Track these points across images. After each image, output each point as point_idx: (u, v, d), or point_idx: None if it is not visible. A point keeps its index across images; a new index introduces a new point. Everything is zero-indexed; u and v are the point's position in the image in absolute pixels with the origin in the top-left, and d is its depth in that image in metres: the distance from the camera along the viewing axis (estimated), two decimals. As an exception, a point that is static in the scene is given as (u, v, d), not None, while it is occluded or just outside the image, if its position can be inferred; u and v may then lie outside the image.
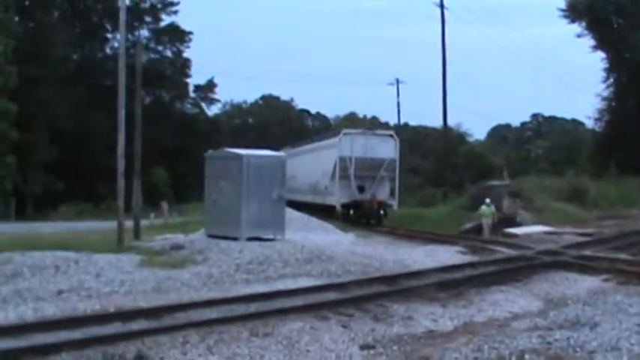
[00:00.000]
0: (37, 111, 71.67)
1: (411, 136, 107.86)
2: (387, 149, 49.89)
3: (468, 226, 40.94)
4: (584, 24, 72.28)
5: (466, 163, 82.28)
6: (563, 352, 12.50)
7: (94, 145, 71.06)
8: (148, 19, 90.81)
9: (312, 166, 51.02)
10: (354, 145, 48.95)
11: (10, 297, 18.67)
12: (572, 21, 72.55)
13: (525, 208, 44.04)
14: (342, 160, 48.59)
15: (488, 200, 38.68)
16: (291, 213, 36.57)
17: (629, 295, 18.86)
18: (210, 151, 32.25)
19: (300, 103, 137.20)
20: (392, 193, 50.29)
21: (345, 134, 50.20)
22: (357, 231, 41.26)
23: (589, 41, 73.38)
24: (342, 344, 14.54)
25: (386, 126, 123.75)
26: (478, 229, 38.82)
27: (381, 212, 48.86)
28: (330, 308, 17.29)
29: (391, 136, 51.83)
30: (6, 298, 18.58)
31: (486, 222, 38.03)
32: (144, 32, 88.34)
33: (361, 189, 48.93)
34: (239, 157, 28.84)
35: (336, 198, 48.46)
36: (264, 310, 16.83)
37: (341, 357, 13.62)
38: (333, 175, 49.19)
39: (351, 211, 48.34)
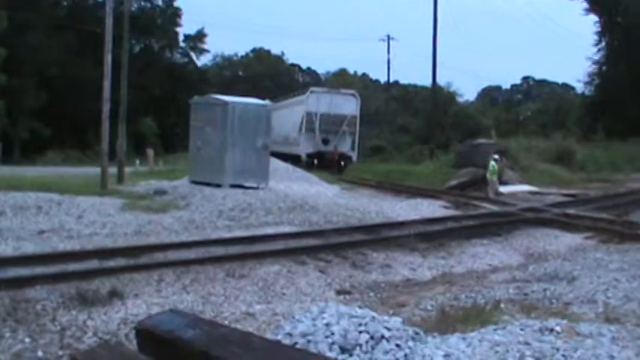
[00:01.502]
0: (26, 56, 71.23)
1: (401, 94, 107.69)
2: (349, 107, 55.55)
3: (453, 182, 40.90)
4: (577, -14, 72.04)
5: (455, 123, 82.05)
6: (539, 302, 12.45)
7: (83, 92, 70.54)
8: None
9: (285, 120, 53.36)
10: (320, 102, 54.57)
11: (-10, 235, 18.61)
12: (566, -17, 72.31)
13: (511, 168, 43.96)
14: (309, 114, 54.13)
15: (496, 156, 37.07)
16: (276, 163, 36.51)
17: (610, 252, 18.82)
18: (195, 97, 32.00)
19: (291, 58, 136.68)
20: (352, 147, 56.31)
21: (311, 92, 55.79)
22: (341, 183, 41.41)
23: (582, 4, 73.16)
24: (319, 289, 14.55)
25: (376, 83, 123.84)
26: (462, 186, 38.80)
27: (342, 163, 54.85)
28: (308, 254, 17.28)
29: (353, 95, 57.32)
30: (-14, 236, 18.51)
31: (494, 179, 36.15)
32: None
33: (325, 141, 54.80)
34: (224, 103, 28.64)
35: (302, 148, 53.94)
36: (243, 252, 16.79)
37: (316, 301, 13.56)
38: (300, 128, 54.52)
39: (315, 161, 53.13)
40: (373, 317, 7.05)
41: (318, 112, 54.08)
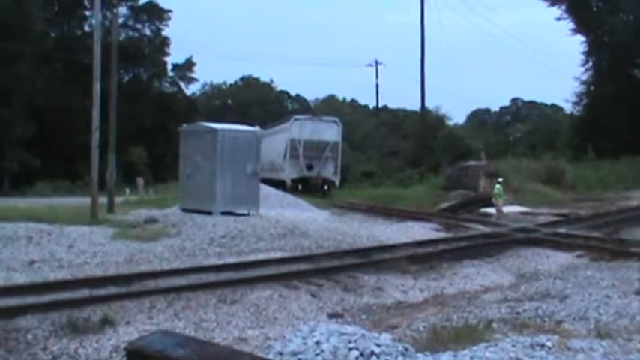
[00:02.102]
0: (14, 87, 71.17)
1: (390, 119, 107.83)
2: (331, 133, 56.93)
3: (444, 205, 40.91)
4: (563, 7, 72.22)
5: (444, 146, 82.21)
6: (530, 320, 12.47)
7: (72, 122, 70.50)
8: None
9: (270, 146, 54.02)
10: (303, 130, 55.92)
11: (-19, 267, 18.57)
12: (552, 4, 72.46)
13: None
14: (293, 141, 55.23)
15: (501, 180, 36.67)
16: (266, 190, 36.50)
17: (601, 269, 18.88)
18: (184, 125, 32.03)
19: (279, 85, 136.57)
20: (335, 172, 57.40)
21: (295, 120, 57.01)
22: (332, 208, 41.40)
23: (568, 24, 73.43)
24: (310, 312, 14.55)
25: (365, 108, 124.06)
26: (453, 208, 38.82)
27: (325, 187, 55.84)
28: (300, 278, 17.27)
29: (335, 122, 58.66)
30: (-23, 267, 18.47)
31: (500, 203, 35.49)
32: (122, 10, 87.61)
33: (309, 167, 55.73)
34: (214, 130, 28.67)
35: (287, 174, 54.78)
36: (234, 278, 16.78)
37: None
38: (285, 155, 55.39)
39: (300, 186, 53.74)
40: (363, 334, 7.06)
41: (301, 139, 55.53)
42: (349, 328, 7.31)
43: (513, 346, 8.16)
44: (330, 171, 57.16)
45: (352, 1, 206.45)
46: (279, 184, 48.66)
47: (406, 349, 7.12)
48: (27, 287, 15.27)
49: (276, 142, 56.07)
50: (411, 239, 26.13)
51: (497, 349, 8.06)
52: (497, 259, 22.16)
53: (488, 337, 10.14)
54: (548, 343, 8.17)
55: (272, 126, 60.34)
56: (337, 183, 58.34)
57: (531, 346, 8.10)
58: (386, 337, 7.15)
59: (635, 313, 12.22)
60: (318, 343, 6.85)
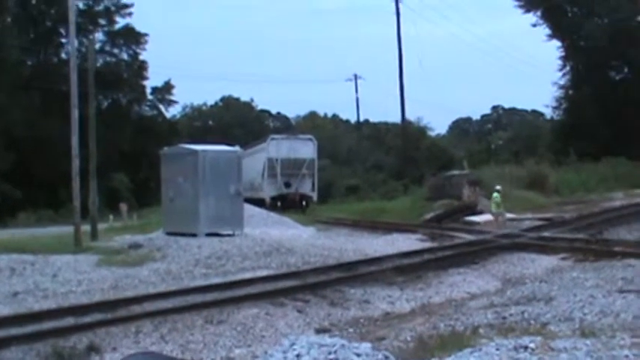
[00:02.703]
0: (-10, 117, 71.00)
1: (372, 132, 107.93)
2: (307, 151, 59.38)
3: (429, 215, 40.94)
4: (539, 13, 72.55)
5: (427, 157, 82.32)
6: (517, 324, 12.51)
7: (51, 151, 70.12)
8: (102, 21, 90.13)
9: (249, 166, 54.28)
10: (280, 148, 58.26)
11: (-36, 300, 18.46)
12: (528, 11, 72.80)
13: (486, 197, 44.08)
14: (270, 160, 57.49)
15: (499, 187, 36.28)
16: (250, 209, 36.45)
17: (585, 270, 18.94)
18: (165, 148, 32.00)
19: (260, 104, 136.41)
20: (312, 188, 59.66)
21: (272, 139, 59.76)
22: (318, 224, 41.42)
23: (544, 30, 73.77)
24: (298, 329, 14.54)
25: (347, 123, 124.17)
26: (438, 218, 38.85)
27: (303, 203, 57.78)
28: (286, 295, 17.25)
29: (310, 139, 61.37)
30: (-40, 301, 18.35)
31: (497, 211, 35.10)
32: (99, 35, 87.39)
33: (287, 185, 57.81)
34: (194, 152, 28.66)
35: (266, 192, 56.70)
36: (220, 298, 16.73)
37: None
38: (263, 174, 57.68)
39: (279, 203, 55.33)
40: (343, 345, 7.05)
41: (278, 158, 57.47)
42: (329, 340, 7.31)
43: (497, 349, 8.16)
44: (307, 187, 59.11)
45: (329, 17, 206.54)
46: (258, 203, 48.99)
47: (386, 357, 7.10)
48: (10, 319, 15.17)
49: (254, 161, 56.87)
50: (397, 251, 26.10)
51: (482, 354, 8.06)
52: (482, 266, 22.21)
53: (474, 342, 10.12)
54: (532, 345, 8.17)
55: (251, 146, 60.97)
56: (315, 198, 60.31)
57: (515, 348, 8.10)
58: (366, 347, 7.14)
59: (619, 310, 12.27)
60: (298, 356, 6.84)
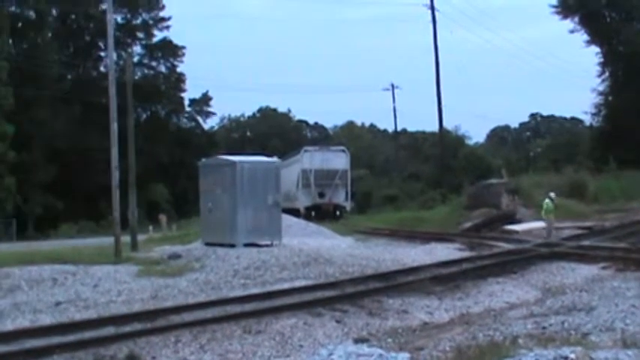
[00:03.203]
0: (33, 131, 71.73)
1: (409, 142, 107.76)
2: (340, 162, 61.59)
3: (467, 224, 40.82)
4: (576, 19, 72.11)
5: (465, 166, 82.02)
6: (557, 334, 12.42)
7: (92, 162, 70.86)
8: (140, 35, 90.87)
9: (285, 177, 54.41)
10: (314, 160, 60.59)
11: (8, 310, 18.66)
12: (565, 17, 72.45)
13: (524, 205, 43.89)
14: (304, 171, 59.72)
15: (552, 194, 35.35)
16: (288, 219, 36.54)
17: (627, 280, 18.81)
18: (203, 160, 32.16)
19: (297, 114, 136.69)
20: (346, 197, 62.03)
21: (305, 151, 61.80)
22: (356, 234, 41.45)
23: (582, 36, 73.38)
24: (336, 338, 14.53)
25: (384, 133, 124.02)
26: (476, 227, 38.72)
27: (337, 213, 59.73)
28: (324, 305, 17.25)
29: (343, 150, 63.72)
30: (4, 311, 18.55)
31: (549, 220, 34.01)
32: (137, 48, 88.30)
33: (321, 195, 60.13)
34: (232, 163, 28.72)
35: (300, 202, 58.60)
36: (259, 308, 16.77)
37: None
38: (297, 184, 59.64)
39: (313, 213, 56.84)
40: (381, 354, 7.04)
41: (312, 169, 59.74)
42: (367, 350, 7.31)
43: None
44: (340, 197, 61.27)
45: (365, 27, 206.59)
46: (293, 213, 49.39)
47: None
48: (53, 328, 15.34)
49: (290, 172, 57.36)
50: (435, 260, 26.08)
51: (521, 364, 8.03)
52: (521, 275, 22.09)
53: (513, 353, 10.07)
54: (572, 356, 8.10)
55: (286, 158, 61.61)
56: (348, 208, 62.69)
57: (555, 359, 8.05)
58: (404, 357, 7.14)
59: (661, 320, 12.17)
60: (336, 365, 6.85)
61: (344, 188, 61.46)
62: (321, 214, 57.12)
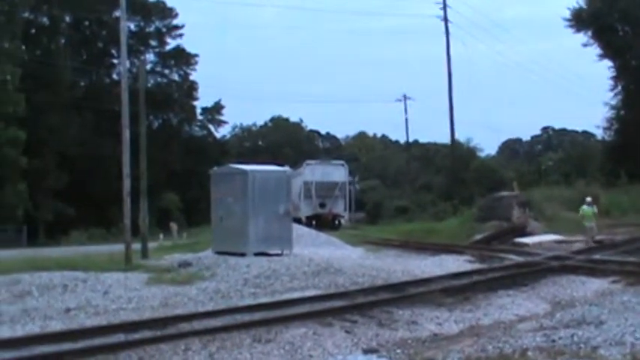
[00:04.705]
0: (45, 137, 72.00)
1: (421, 153, 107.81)
2: (339, 175, 67.43)
3: (478, 236, 40.80)
4: (589, 33, 72.14)
5: (477, 178, 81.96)
6: (566, 348, 12.43)
7: (104, 170, 71.08)
8: (153, 43, 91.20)
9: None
10: (315, 173, 65.93)
11: (18, 316, 18.68)
12: (578, 31, 72.49)
13: (535, 218, 43.90)
14: (306, 184, 64.52)
15: (589, 199, 35.05)
16: (299, 229, 36.63)
17: (637, 294, 18.74)
18: (215, 168, 32.24)
19: (309, 124, 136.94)
20: (344, 208, 67.96)
21: (307, 165, 66.84)
22: (366, 245, 41.48)
23: (595, 50, 73.37)
24: (345, 349, 14.51)
25: (396, 144, 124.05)
26: (487, 239, 38.70)
27: (336, 222, 64.96)
28: (334, 315, 17.22)
29: (342, 164, 69.77)
30: (14, 317, 18.57)
31: (589, 225, 34.20)
32: (150, 56, 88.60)
33: (322, 205, 65.27)
34: (244, 172, 28.79)
35: (303, 212, 62.31)
36: (268, 318, 16.79)
37: (343, 361, 13.59)
38: (300, 196, 62.91)
39: (313, 222, 61.07)
40: (390, 365, 7.07)
41: (314, 181, 65.01)
42: (376, 360, 7.34)
43: (546, 372, 8.14)
44: (340, 208, 67.05)
45: (378, 37, 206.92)
46: (295, 221, 50.10)
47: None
48: (63, 334, 15.36)
49: (293, 184, 58.67)
50: (445, 272, 26.08)
51: (530, 377, 8.05)
52: (532, 288, 22.03)
53: (522, 365, 10.12)
54: (581, 369, 8.14)
55: (292, 170, 63.13)
56: (346, 217, 68.85)
57: (564, 372, 8.08)
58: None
59: (672, 335, 12.15)
60: (347, 376, 6.88)
61: (343, 199, 67.23)
62: (321, 222, 61.61)
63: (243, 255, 27.43)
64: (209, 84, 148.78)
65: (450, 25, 72.71)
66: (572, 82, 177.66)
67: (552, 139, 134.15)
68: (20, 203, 67.23)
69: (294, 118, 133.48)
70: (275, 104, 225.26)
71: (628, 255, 28.57)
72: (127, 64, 36.37)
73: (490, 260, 30.74)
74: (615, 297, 18.69)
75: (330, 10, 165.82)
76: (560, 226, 42.70)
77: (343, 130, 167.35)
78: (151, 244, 36.57)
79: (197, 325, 16.32)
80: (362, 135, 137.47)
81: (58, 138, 73.53)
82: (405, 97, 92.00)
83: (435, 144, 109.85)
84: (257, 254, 27.60)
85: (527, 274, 24.27)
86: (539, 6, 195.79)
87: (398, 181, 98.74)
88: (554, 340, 13.05)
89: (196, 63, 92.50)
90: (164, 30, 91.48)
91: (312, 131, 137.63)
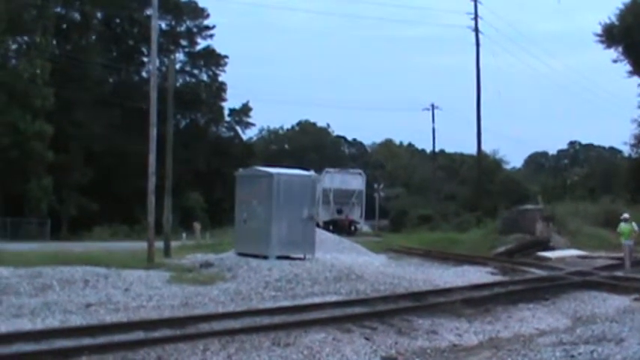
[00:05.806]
0: (72, 132, 72.27)
1: (447, 163, 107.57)
2: (356, 183, 71.51)
3: (501, 249, 40.63)
4: (620, 49, 71.74)
5: (502, 190, 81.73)
6: (586, 364, 12.39)
7: (129, 167, 71.14)
8: (183, 42, 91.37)
9: None
10: (333, 180, 70.21)
11: (38, 309, 18.75)
12: (608, 46, 72.02)
13: (559, 233, 43.70)
14: (325, 190, 67.78)
15: (626, 215, 32.34)
16: (322, 234, 36.59)
17: (659, 313, 18.68)
18: (240, 170, 32.28)
19: (336, 130, 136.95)
20: (360, 214, 71.90)
21: (326, 172, 70.61)
22: (389, 252, 41.42)
23: (625, 67, 72.93)
24: (364, 356, 14.53)
25: (422, 153, 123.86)
26: (509, 252, 38.58)
27: (352, 227, 68.90)
28: (354, 322, 17.22)
29: (360, 173, 74.37)
30: (35, 310, 18.65)
31: (627, 244, 30.95)
32: (179, 56, 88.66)
33: (339, 211, 69.31)
34: (269, 175, 28.78)
35: (321, 217, 62.19)
36: (288, 321, 16.80)
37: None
38: (319, 201, 61.89)
39: (331, 227, 62.40)
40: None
41: (332, 188, 69.12)
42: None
43: (565, 388, 8.12)
44: (356, 214, 71.14)
45: (408, 46, 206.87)
46: None
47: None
48: (83, 329, 15.43)
49: None
50: (467, 283, 26.05)
51: (549, 391, 8.03)
52: (553, 303, 21.96)
53: (541, 379, 10.09)
54: (600, 386, 8.11)
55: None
56: (362, 223, 73.26)
57: (583, 388, 8.06)
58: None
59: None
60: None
61: (359, 206, 71.32)
62: (338, 228, 63.71)
63: (265, 258, 27.42)
64: (238, 85, 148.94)
65: (480, 36, 72.17)
66: (601, 97, 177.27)
67: (579, 153, 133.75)
68: (45, 197, 67.53)
69: (321, 123, 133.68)
70: (303, 108, 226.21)
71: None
72: (157, 62, 36.38)
73: (512, 273, 30.71)
74: (637, 315, 18.64)
75: (361, 16, 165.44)
76: (584, 242, 42.55)
77: (370, 136, 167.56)
78: (174, 243, 36.66)
79: (216, 325, 16.36)
80: (388, 142, 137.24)
81: (84, 133, 73.73)
82: (433, 107, 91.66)
83: (461, 154, 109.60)
84: (279, 257, 27.57)
85: (548, 288, 24.21)
86: (570, 22, 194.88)
87: (422, 189, 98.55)
88: (573, 356, 13.02)
89: (226, 64, 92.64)
90: (195, 30, 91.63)
91: (338, 136, 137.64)
